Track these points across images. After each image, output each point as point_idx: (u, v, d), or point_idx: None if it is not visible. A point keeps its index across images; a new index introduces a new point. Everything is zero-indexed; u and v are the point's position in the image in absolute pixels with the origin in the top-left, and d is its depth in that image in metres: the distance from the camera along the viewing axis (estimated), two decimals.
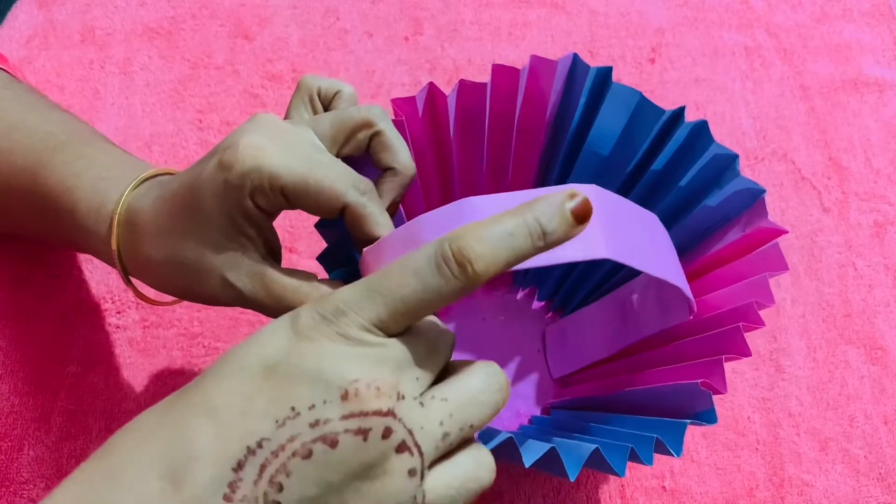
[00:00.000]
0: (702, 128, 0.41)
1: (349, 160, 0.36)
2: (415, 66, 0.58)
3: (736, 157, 0.40)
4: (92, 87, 0.55)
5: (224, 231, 0.33)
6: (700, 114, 0.58)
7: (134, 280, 0.37)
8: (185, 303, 0.48)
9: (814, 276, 0.52)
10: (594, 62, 0.59)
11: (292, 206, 0.33)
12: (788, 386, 0.49)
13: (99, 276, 0.49)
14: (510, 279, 0.50)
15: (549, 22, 0.60)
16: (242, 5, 0.59)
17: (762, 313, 0.37)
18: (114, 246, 0.36)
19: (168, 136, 0.54)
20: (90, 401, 0.46)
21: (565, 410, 0.45)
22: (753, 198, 0.40)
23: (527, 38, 0.60)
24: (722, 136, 0.57)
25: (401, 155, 0.36)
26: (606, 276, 0.47)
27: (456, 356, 0.40)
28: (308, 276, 0.35)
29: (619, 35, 0.60)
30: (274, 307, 0.34)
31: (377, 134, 0.36)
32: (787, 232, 0.39)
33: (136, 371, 0.47)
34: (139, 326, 0.48)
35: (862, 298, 0.52)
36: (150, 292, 0.39)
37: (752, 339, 0.50)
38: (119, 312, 0.48)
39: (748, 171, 0.56)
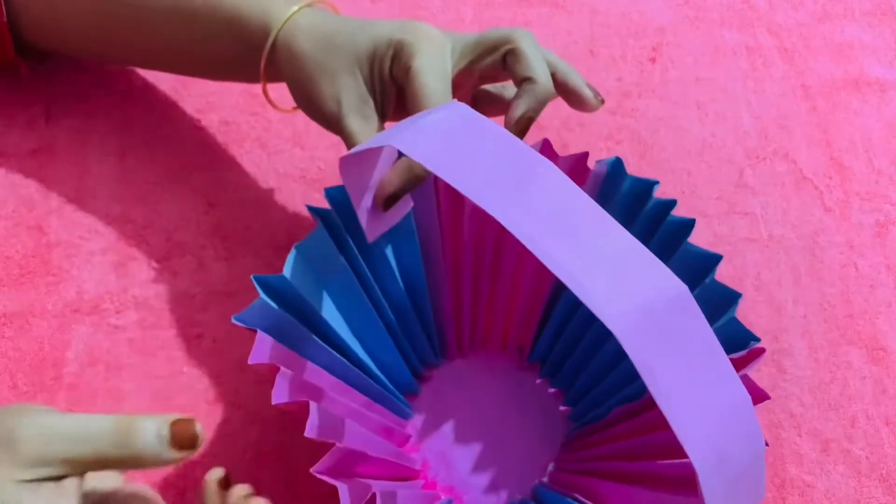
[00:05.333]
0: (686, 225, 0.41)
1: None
2: None
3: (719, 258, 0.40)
4: None
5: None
6: (701, 113, 0.57)
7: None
8: (184, 304, 0.49)
9: (815, 277, 0.52)
10: (595, 61, 0.59)
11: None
12: (790, 387, 0.49)
13: (99, 276, 0.49)
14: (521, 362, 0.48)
15: (549, 21, 0.60)
16: None
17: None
18: (266, 52, 0.42)
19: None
20: (90, 401, 0.46)
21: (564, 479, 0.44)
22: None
23: None
24: (723, 135, 0.57)
25: (536, 68, 0.39)
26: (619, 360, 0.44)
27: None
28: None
29: (619, 34, 0.60)
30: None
31: (512, 51, 0.39)
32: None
33: (135, 371, 0.47)
34: (138, 327, 0.48)
35: (864, 299, 0.52)
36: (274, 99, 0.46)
37: None
38: (118, 312, 0.48)
39: (749, 171, 0.56)
